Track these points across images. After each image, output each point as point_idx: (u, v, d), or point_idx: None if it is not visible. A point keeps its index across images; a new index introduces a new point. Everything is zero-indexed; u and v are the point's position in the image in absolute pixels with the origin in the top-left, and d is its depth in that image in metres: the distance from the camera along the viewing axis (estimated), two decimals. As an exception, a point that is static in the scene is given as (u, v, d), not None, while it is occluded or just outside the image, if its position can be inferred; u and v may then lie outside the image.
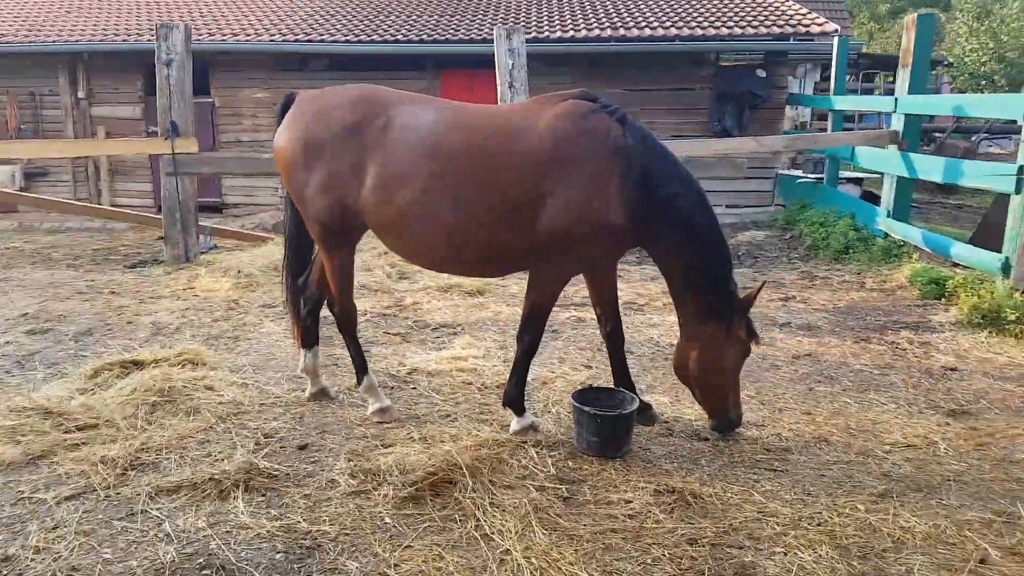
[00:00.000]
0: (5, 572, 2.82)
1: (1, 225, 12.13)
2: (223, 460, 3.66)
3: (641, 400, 4.21)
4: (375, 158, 3.78)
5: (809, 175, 13.03)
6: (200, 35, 12.16)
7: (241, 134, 12.75)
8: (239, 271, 7.70)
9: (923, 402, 4.60)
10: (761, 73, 12.36)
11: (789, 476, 3.66)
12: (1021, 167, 6.22)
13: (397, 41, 11.89)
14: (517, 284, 7.33)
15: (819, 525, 3.19)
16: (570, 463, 3.78)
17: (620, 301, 6.87)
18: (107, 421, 4.04)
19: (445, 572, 2.85)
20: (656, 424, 4.24)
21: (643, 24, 12.74)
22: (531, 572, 2.84)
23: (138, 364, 4.82)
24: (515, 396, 4.04)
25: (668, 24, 12.69)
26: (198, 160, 8.01)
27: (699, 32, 12.24)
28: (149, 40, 11.94)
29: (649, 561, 2.94)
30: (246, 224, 11.80)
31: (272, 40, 11.95)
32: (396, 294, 7.29)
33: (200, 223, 9.95)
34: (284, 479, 3.55)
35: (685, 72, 12.82)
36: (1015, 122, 13.67)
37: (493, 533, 3.10)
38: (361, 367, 4.31)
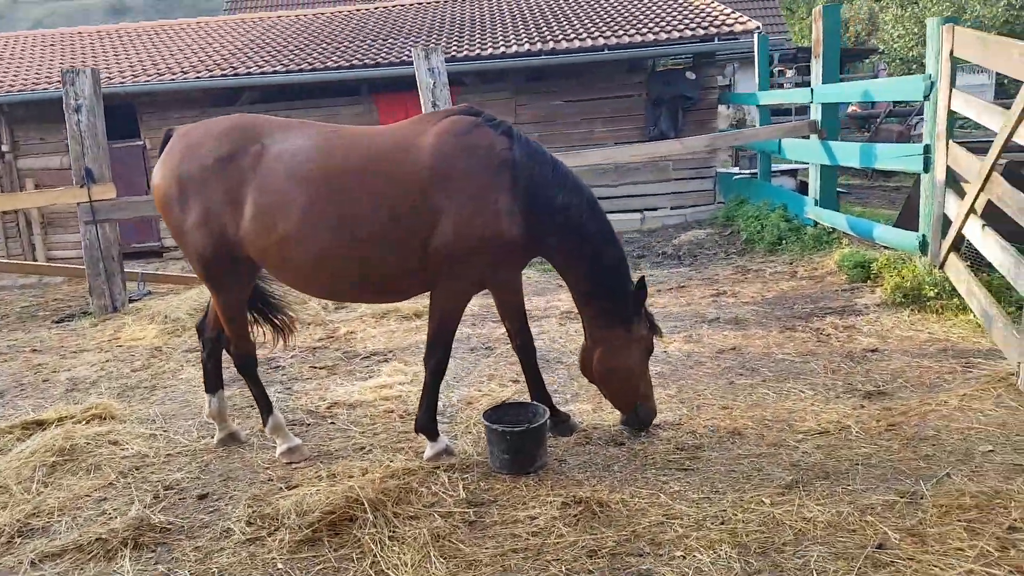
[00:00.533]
0: None
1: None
2: (116, 518, 3.52)
3: (558, 411, 4.19)
4: (251, 188, 3.67)
5: (746, 171, 13.18)
6: (124, 78, 11.99)
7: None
8: (166, 316, 7.52)
9: (841, 386, 4.59)
10: (691, 75, 12.51)
11: (699, 474, 3.61)
12: (927, 146, 6.30)
13: (327, 68, 11.82)
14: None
15: (722, 523, 3.14)
16: (482, 484, 3.69)
17: (559, 311, 6.91)
18: (1, 488, 3.87)
19: (334, 614, 2.74)
20: (575, 433, 4.18)
21: (573, 36, 12.82)
22: (423, 604, 2.75)
23: (41, 424, 4.66)
24: (425, 422, 3.95)
25: (597, 35, 12.78)
26: (115, 206, 7.82)
27: (627, 40, 12.35)
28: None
29: (547, 580, 2.86)
30: (187, 267, 11.59)
31: (199, 77, 11.82)
32: (330, 325, 7.16)
33: (134, 269, 9.76)
34: (177, 532, 3.41)
35: (620, 79, 12.96)
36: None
37: (389, 569, 3.00)
38: (266, 408, 4.19)
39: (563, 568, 2.92)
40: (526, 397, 4.47)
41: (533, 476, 3.72)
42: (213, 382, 4.31)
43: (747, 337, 5.71)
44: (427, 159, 3.62)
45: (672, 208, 13.15)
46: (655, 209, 13.12)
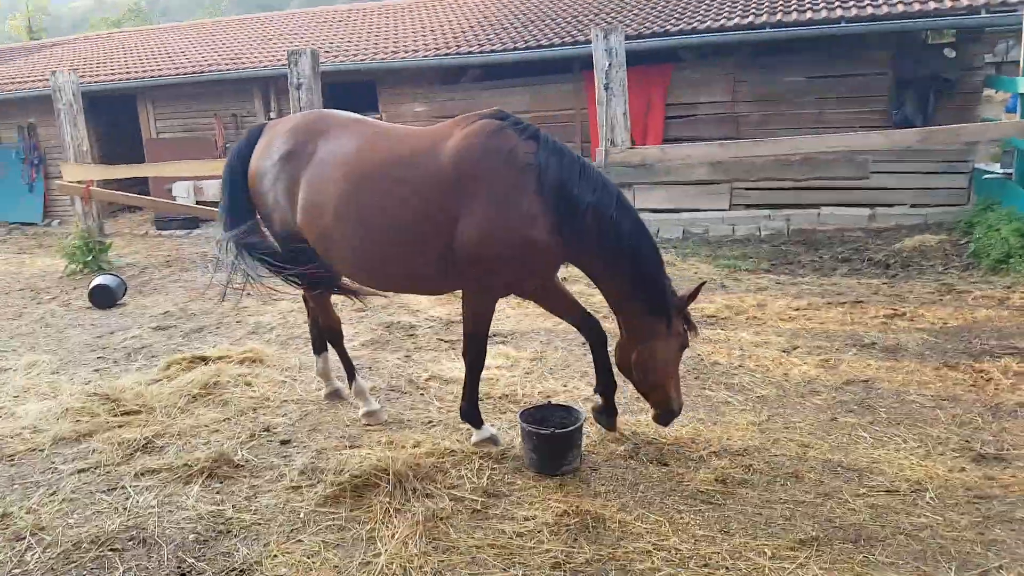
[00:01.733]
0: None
1: (183, 231, 13.92)
2: (212, 448, 4.19)
3: (611, 404, 4.21)
4: (302, 184, 4.05)
5: (1004, 171, 11.24)
6: (366, 55, 13.31)
7: (406, 146, 13.79)
8: None
9: (955, 442, 3.97)
10: (950, 53, 10.91)
11: (721, 511, 3.41)
12: None
13: (540, 46, 12.15)
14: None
15: (705, 566, 2.99)
16: (508, 477, 3.83)
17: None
18: (148, 408, 4.78)
19: (312, 567, 3.10)
20: (614, 431, 4.24)
21: (805, 7, 11.79)
22: (384, 575, 3.00)
23: (205, 359, 5.59)
24: (468, 411, 4.14)
25: (835, 4, 11.62)
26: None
27: (870, 11, 11.07)
28: (323, 62, 13.36)
29: (499, 581, 2.96)
30: None
31: (427, 55, 12.78)
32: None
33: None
34: (247, 470, 4.00)
35: (862, 56, 11.60)
36: None
37: (379, 537, 3.29)
38: (351, 374, 4.66)
39: (521, 572, 2.99)
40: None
41: (556, 479, 3.76)
42: (319, 345, 4.87)
43: (892, 370, 5.08)
44: (450, 162, 3.72)
45: (912, 206, 11.62)
46: (890, 206, 11.68)
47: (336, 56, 13.58)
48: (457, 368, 5.43)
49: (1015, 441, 3.95)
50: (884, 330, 5.94)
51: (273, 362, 5.70)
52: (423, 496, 3.62)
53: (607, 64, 7.83)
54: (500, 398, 4.89)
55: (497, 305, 7.10)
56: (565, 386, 5.04)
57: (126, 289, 8.36)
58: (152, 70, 14.91)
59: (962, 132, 7.18)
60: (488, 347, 5.92)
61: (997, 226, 8.64)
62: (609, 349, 4.17)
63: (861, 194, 11.68)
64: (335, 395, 4.93)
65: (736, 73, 12.02)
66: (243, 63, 14.29)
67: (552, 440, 3.79)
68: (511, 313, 6.93)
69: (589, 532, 3.27)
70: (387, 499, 3.56)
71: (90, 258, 9.95)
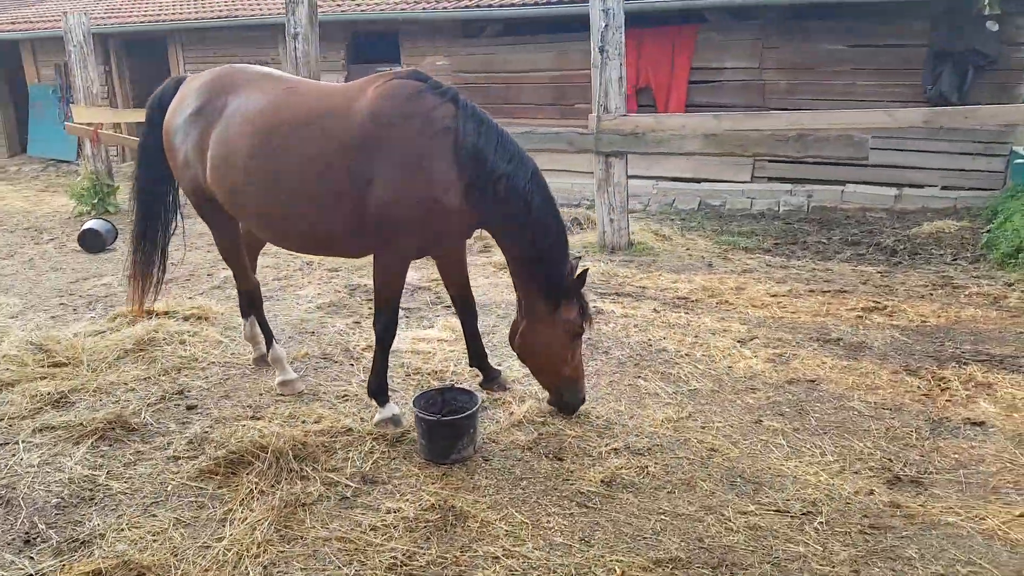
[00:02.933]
0: None
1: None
2: (117, 407, 4.18)
3: (490, 369, 4.52)
4: (212, 140, 3.97)
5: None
6: (388, 5, 13.02)
7: (425, 100, 13.53)
8: None
9: (878, 460, 3.68)
10: (992, 26, 10.08)
11: (594, 517, 3.24)
12: None
13: (561, 2, 11.68)
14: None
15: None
16: (395, 463, 3.71)
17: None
18: (77, 362, 4.80)
19: (150, 545, 3.04)
20: (505, 391, 4.45)
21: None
22: (216, 562, 2.92)
23: (150, 314, 5.58)
24: (375, 386, 4.03)
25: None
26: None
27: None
28: (349, 10, 13.13)
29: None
30: None
31: (447, 7, 12.43)
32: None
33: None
34: (139, 434, 3.97)
35: (899, 24, 10.81)
36: None
37: (231, 520, 3.21)
38: (268, 339, 4.59)
39: (355, 571, 2.89)
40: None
41: (445, 468, 3.63)
42: (245, 309, 4.79)
43: (844, 371, 4.75)
44: (360, 122, 3.62)
45: (943, 188, 10.97)
46: (920, 187, 11.04)
47: (360, 5, 13.32)
48: (403, 338, 5.30)
49: (942, 464, 3.64)
50: (856, 325, 5.58)
51: (218, 320, 5.67)
52: (297, 478, 3.53)
53: (603, 25, 7.42)
54: (429, 374, 4.76)
55: (471, 274, 6.99)
56: (500, 364, 4.86)
57: (116, 235, 8.45)
58: (181, 14, 14.90)
59: (970, 115, 6.59)
60: (438, 317, 5.85)
61: (1014, 214, 8.05)
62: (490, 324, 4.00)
63: (890, 172, 11.04)
64: (262, 360, 4.87)
65: (764, 38, 11.36)
66: (269, 8, 14.15)
67: (439, 427, 3.64)
68: (482, 283, 6.76)
69: (445, 531, 3.13)
70: (257, 479, 3.48)
71: (96, 200, 10.10)
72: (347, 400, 4.39)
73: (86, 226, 8.22)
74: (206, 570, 2.89)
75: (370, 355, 4.97)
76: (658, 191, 12.01)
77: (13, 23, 16.14)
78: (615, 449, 3.79)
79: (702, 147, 7.28)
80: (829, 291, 6.44)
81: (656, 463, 3.66)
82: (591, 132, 7.75)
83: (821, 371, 4.75)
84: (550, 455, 3.75)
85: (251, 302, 4.64)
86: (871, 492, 3.40)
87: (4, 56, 16.92)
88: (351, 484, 3.49)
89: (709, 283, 6.70)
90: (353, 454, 3.74)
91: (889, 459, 3.69)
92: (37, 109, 16.35)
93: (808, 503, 3.31)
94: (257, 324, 4.82)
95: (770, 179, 11.75)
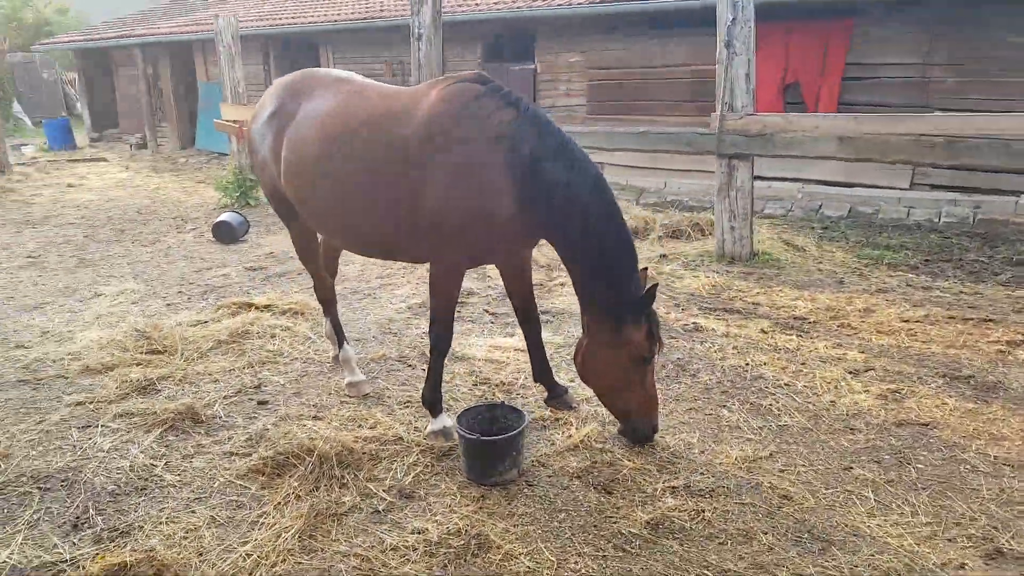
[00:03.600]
0: (-15, 446, 3.89)
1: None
2: (193, 399, 4.34)
3: (556, 386, 4.25)
4: (285, 143, 4.01)
5: None
6: (520, 4, 12.94)
7: (557, 99, 13.35)
8: None
9: (978, 527, 3.10)
10: None
11: (628, 564, 2.94)
12: None
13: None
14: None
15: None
16: (435, 479, 3.58)
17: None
18: (172, 350, 5.05)
19: (180, 543, 3.09)
20: (571, 410, 4.20)
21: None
22: (234, 567, 2.92)
23: (250, 306, 5.80)
24: (428, 396, 3.92)
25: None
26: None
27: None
28: (484, 9, 13.18)
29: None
30: None
31: (580, 4, 12.16)
32: (553, 272, 7.16)
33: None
34: (206, 427, 4.08)
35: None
36: None
37: (263, 525, 3.21)
38: (340, 340, 4.59)
39: (360, 595, 2.78)
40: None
41: (486, 489, 3.45)
42: (326, 307, 4.81)
43: (967, 415, 4.10)
44: (419, 125, 3.53)
45: None
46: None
47: (496, 4, 13.36)
48: (480, 345, 5.19)
49: (1069, 541, 3.02)
50: (994, 361, 4.82)
51: (312, 316, 5.80)
52: (337, 485, 3.48)
53: (730, 18, 6.91)
54: (497, 385, 4.60)
55: (557, 279, 6.75)
56: (572, 380, 4.62)
57: (248, 227, 8.93)
58: (325, 16, 15.61)
59: None
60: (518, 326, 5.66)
61: None
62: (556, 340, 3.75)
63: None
64: (337, 360, 4.90)
65: (930, 30, 10.21)
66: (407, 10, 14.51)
67: (478, 447, 3.47)
68: (567, 292, 6.51)
69: (464, 560, 2.96)
70: (297, 483, 3.47)
71: (239, 194, 10.76)
72: (408, 406, 4.32)
73: (220, 218, 8.74)
74: (222, 574, 2.89)
75: (447, 360, 4.90)
76: (804, 195, 11.14)
77: (187, 26, 17.63)
78: (672, 487, 3.45)
79: (836, 151, 6.62)
80: (972, 319, 5.62)
81: (715, 508, 3.29)
82: (713, 132, 7.27)
83: (939, 413, 4.12)
84: (599, 487, 3.48)
85: (324, 304, 4.68)
86: (962, 566, 2.87)
87: (179, 56, 18.55)
88: (386, 497, 3.39)
89: (834, 303, 6.07)
90: (397, 465, 3.65)
91: (995, 527, 3.11)
92: (205, 105, 17.75)
93: (880, 572, 2.84)
94: (331, 325, 4.87)
95: (932, 187, 10.56)
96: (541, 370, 4.25)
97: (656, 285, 3.62)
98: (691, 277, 6.88)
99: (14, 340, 5.39)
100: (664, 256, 7.70)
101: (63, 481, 3.56)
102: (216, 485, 3.52)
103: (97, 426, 4.08)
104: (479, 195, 3.43)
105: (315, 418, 4.15)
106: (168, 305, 6.26)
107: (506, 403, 3.84)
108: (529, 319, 4.16)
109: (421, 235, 3.61)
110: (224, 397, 4.42)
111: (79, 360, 4.94)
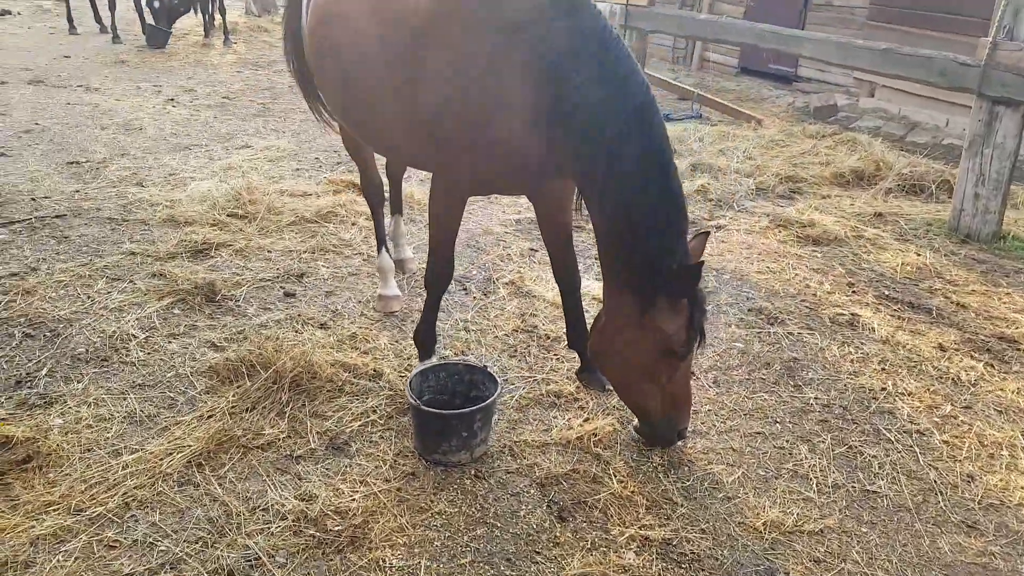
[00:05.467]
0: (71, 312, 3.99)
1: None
2: (223, 275, 4.12)
3: (583, 362, 3.40)
4: (307, 28, 3.49)
5: None
6: None
7: (832, -6, 11.10)
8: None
9: None
10: None
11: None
12: None
13: None
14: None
15: None
16: (383, 437, 3.01)
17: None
18: (252, 217, 4.88)
19: (82, 428, 2.86)
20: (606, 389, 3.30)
21: None
22: (91, 476, 2.63)
23: (356, 186, 5.45)
24: (420, 334, 3.30)
25: None
26: (643, 15, 7.65)
27: None
28: None
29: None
30: (812, 100, 10.45)
31: None
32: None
33: (691, 89, 9.52)
34: (216, 308, 3.84)
35: None
36: None
37: (166, 435, 2.88)
38: (380, 243, 4.05)
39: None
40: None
41: (427, 466, 2.82)
42: (371, 206, 4.24)
43: None
44: (425, 3, 2.75)
45: None
46: None
47: None
48: (536, 280, 4.38)
49: None
50: None
51: (410, 214, 5.31)
52: (273, 412, 3.04)
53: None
54: (541, 338, 3.82)
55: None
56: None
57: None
58: None
59: None
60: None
61: None
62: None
63: None
64: (399, 264, 4.40)
65: None
66: None
67: (421, 415, 2.80)
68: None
69: (318, 554, 2.39)
70: (236, 396, 3.08)
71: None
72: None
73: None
74: (85, 481, 2.60)
75: (494, 288, 4.21)
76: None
77: None
78: (645, 539, 2.53)
79: None
80: None
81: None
82: (978, 64, 5.38)
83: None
84: (556, 507, 2.66)
85: (371, 200, 4.11)
86: None
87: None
88: (312, 443, 2.89)
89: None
90: (353, 406, 3.11)
91: None
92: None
93: None
94: (400, 224, 4.35)
95: None
96: (575, 335, 3.40)
97: (703, 263, 2.59)
98: (896, 250, 5.30)
99: (138, 177, 5.59)
100: (879, 215, 6.03)
101: (50, 331, 3.52)
102: (169, 376, 3.26)
103: (125, 281, 4.02)
104: (482, 99, 2.62)
105: (322, 326, 3.73)
106: (296, 170, 6.14)
107: (487, 368, 3.08)
108: (565, 272, 3.29)
109: (422, 137, 2.89)
110: (260, 279, 4.15)
111: (171, 209, 4.95)
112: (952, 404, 3.44)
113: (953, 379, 3.68)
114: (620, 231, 2.59)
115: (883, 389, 3.55)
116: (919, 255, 5.22)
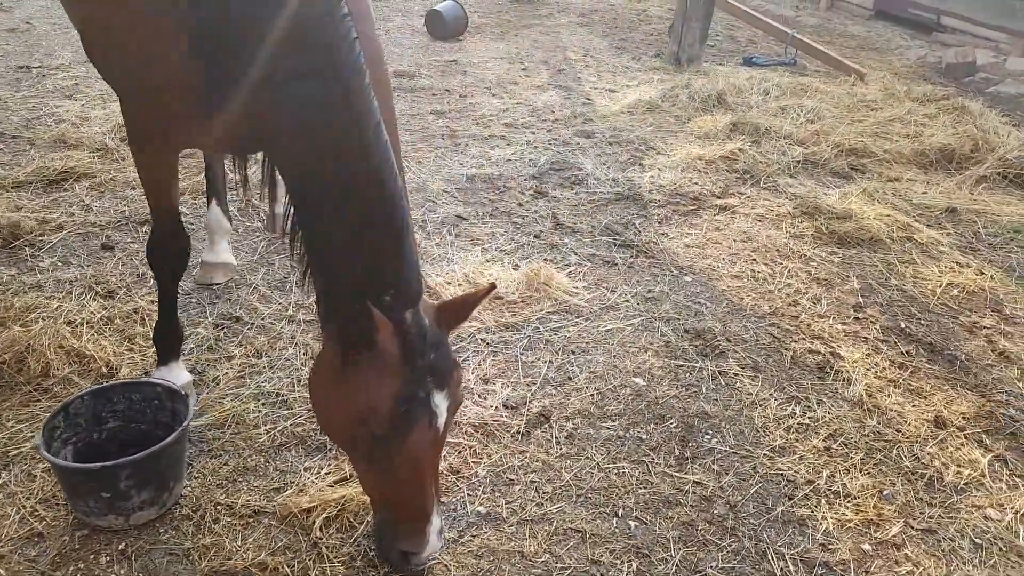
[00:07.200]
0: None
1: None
2: (59, 214, 3.51)
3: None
4: None
5: None
6: None
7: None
8: (698, 94, 6.05)
9: None
10: None
11: None
12: None
13: None
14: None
15: None
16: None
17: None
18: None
19: None
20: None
21: None
22: None
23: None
24: (156, 333, 2.52)
25: None
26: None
27: None
28: None
29: None
30: (947, 55, 8.51)
31: None
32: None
33: (787, 29, 7.91)
34: (11, 258, 3.23)
35: None
36: None
37: None
38: (209, 196, 3.26)
39: None
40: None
41: (70, 519, 2.10)
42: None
43: None
44: None
45: None
46: None
47: None
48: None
49: None
50: None
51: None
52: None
53: None
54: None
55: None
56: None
57: (467, 23, 7.57)
58: None
59: None
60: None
61: None
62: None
63: None
64: (270, 222, 3.63)
65: None
66: None
67: (57, 469, 2.05)
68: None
69: None
70: None
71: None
72: (237, 322, 2.96)
73: (434, 7, 7.49)
74: None
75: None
76: None
77: None
78: None
79: None
80: None
81: None
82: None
83: None
84: None
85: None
86: None
87: None
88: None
89: None
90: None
91: None
92: None
93: None
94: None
95: None
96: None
97: (494, 285, 1.76)
98: (949, 263, 3.96)
99: (76, 90, 5.21)
100: (952, 211, 4.59)
101: None
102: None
103: None
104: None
105: (108, 295, 3.05)
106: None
107: (172, 386, 2.26)
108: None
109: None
110: (90, 224, 3.50)
111: (75, 127, 4.43)
112: (906, 522, 2.32)
113: (931, 479, 2.52)
114: (322, 243, 1.79)
115: (809, 483, 2.46)
116: (981, 274, 3.86)
